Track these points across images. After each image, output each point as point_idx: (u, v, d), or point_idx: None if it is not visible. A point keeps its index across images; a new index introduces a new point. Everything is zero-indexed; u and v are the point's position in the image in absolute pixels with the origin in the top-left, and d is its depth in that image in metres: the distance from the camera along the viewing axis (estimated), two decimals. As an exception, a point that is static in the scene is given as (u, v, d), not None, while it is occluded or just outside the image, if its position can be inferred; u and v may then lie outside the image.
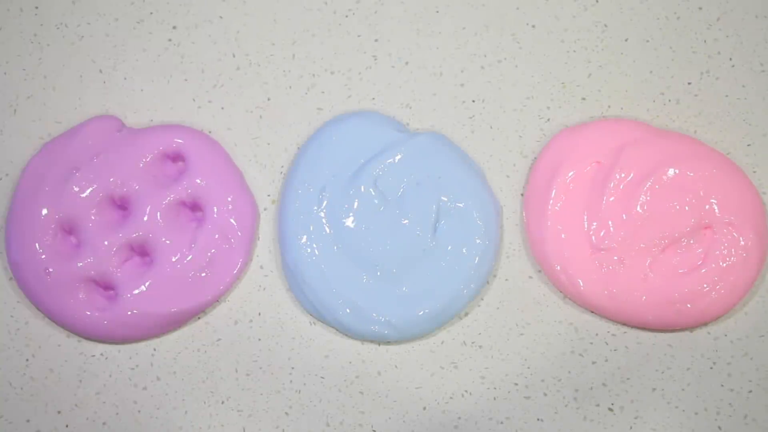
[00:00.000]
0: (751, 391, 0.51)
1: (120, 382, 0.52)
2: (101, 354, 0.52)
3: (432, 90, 0.54)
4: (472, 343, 0.52)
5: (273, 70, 0.54)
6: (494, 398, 0.51)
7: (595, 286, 0.51)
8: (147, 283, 0.51)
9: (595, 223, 0.51)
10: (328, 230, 0.52)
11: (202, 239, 0.51)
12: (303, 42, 0.55)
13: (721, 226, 0.51)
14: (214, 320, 0.52)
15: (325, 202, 0.52)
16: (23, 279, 0.51)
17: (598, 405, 0.51)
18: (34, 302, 0.52)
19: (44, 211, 0.51)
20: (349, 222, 0.51)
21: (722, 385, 0.51)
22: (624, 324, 0.51)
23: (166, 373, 0.52)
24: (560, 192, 0.52)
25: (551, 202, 0.51)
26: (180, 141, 0.52)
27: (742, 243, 0.50)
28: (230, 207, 0.52)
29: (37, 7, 0.55)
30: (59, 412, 0.52)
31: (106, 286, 0.51)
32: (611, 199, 0.51)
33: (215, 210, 0.52)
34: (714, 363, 0.51)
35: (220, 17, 0.55)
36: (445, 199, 0.51)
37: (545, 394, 0.51)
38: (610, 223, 0.51)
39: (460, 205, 0.51)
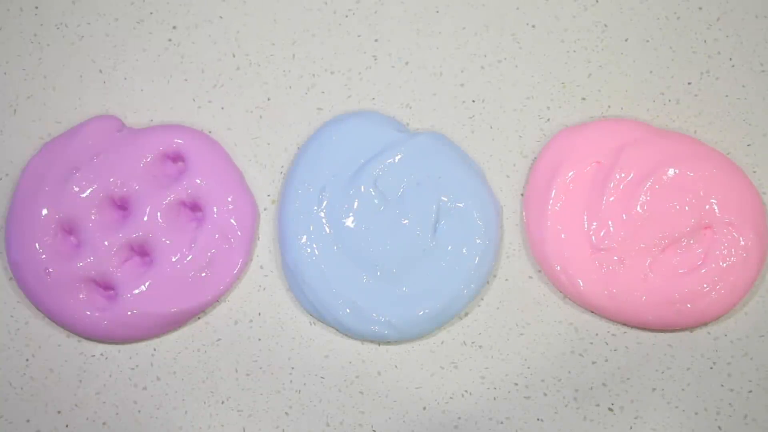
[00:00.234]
0: (751, 391, 0.51)
1: (120, 382, 0.52)
2: (101, 354, 0.52)
3: (432, 90, 0.54)
4: (472, 343, 0.52)
5: (273, 70, 0.54)
6: (494, 398, 0.51)
7: (595, 286, 0.51)
8: (147, 283, 0.51)
9: (595, 223, 0.51)
10: (328, 230, 0.52)
11: (202, 239, 0.51)
12: (303, 42, 0.55)
13: (721, 226, 0.50)
14: (214, 320, 0.52)
15: (325, 202, 0.52)
16: (23, 279, 0.51)
17: (598, 405, 0.51)
18: (34, 302, 0.52)
19: (44, 211, 0.51)
20: (349, 222, 0.51)
21: (722, 385, 0.51)
22: (624, 324, 0.51)
23: (166, 373, 0.52)
24: (560, 192, 0.52)
25: (551, 202, 0.51)
26: (180, 141, 0.52)
27: (742, 243, 0.50)
28: (230, 207, 0.52)
29: (37, 7, 0.55)
30: (59, 412, 0.52)
31: (106, 286, 0.51)
32: (611, 199, 0.51)
33: (215, 210, 0.52)
34: (714, 363, 0.51)
35: (220, 17, 0.55)
36: (445, 199, 0.51)
37: (545, 394, 0.51)
38: (610, 223, 0.51)
39: (460, 205, 0.51)
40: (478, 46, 0.54)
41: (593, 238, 0.51)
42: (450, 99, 0.54)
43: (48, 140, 0.54)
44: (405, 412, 0.51)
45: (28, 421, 0.51)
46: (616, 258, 0.51)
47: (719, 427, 0.51)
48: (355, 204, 0.52)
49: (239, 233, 0.52)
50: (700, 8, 0.54)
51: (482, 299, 0.52)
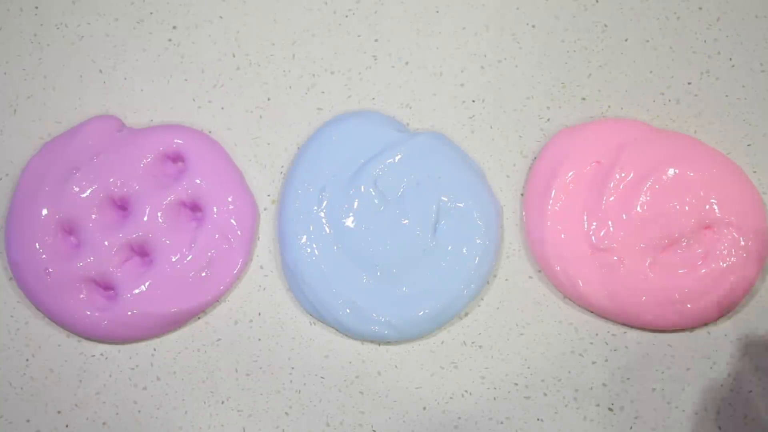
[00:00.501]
0: (751, 391, 0.51)
1: (120, 382, 0.52)
2: (101, 354, 0.52)
3: (432, 90, 0.54)
4: (472, 343, 0.52)
5: (273, 70, 0.54)
6: (494, 398, 0.51)
7: (595, 286, 0.51)
8: (147, 283, 0.51)
9: (595, 223, 0.51)
10: (328, 230, 0.52)
11: (202, 239, 0.51)
12: (303, 42, 0.55)
13: (722, 226, 0.50)
14: (214, 320, 0.52)
15: (325, 202, 0.52)
16: (23, 279, 0.51)
17: (598, 405, 0.51)
18: (34, 302, 0.52)
19: (44, 211, 0.51)
20: (349, 222, 0.51)
21: (722, 385, 0.51)
22: (624, 324, 0.51)
23: (166, 373, 0.52)
24: (560, 192, 0.52)
25: (551, 202, 0.51)
26: (180, 141, 0.52)
27: (742, 243, 0.50)
28: (230, 207, 0.52)
29: (37, 7, 0.55)
30: (59, 412, 0.52)
31: (106, 286, 0.51)
32: (611, 199, 0.51)
33: (215, 210, 0.52)
34: (714, 363, 0.51)
35: (220, 17, 0.55)
36: (445, 199, 0.51)
37: (545, 394, 0.51)
38: (610, 223, 0.51)
39: (460, 205, 0.51)
40: (478, 46, 0.54)
41: (593, 238, 0.51)
42: (450, 99, 0.54)
43: (48, 140, 0.54)
44: (405, 412, 0.51)
45: (28, 421, 0.51)
46: (616, 258, 0.51)
47: (719, 427, 0.51)
48: (355, 204, 0.52)
49: (239, 233, 0.52)
50: (700, 8, 0.54)
51: (482, 299, 0.52)
